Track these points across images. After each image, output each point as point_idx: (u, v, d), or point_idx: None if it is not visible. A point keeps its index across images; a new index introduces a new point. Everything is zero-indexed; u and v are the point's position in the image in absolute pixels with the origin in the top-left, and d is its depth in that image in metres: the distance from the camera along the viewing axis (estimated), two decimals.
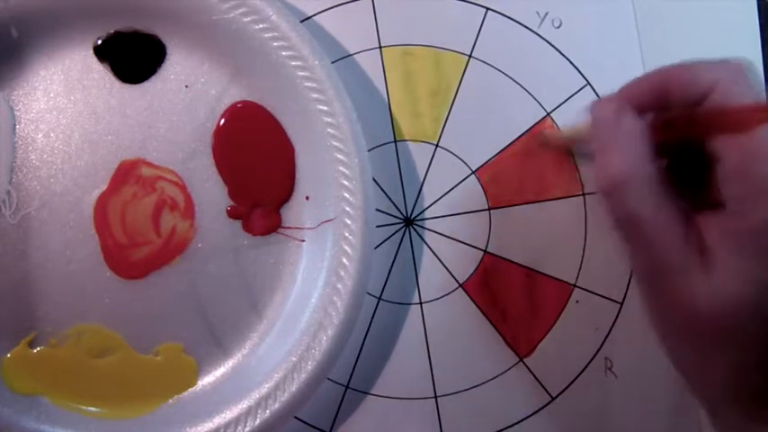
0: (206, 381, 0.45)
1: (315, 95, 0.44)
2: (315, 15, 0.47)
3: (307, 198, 0.45)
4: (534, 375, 0.46)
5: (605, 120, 0.34)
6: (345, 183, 0.43)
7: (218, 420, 0.43)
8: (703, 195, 0.34)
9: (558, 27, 0.48)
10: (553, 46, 0.47)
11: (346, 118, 0.43)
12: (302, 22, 0.46)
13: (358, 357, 0.46)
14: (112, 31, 0.45)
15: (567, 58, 0.47)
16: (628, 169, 0.32)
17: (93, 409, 0.44)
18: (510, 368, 0.46)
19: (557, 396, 0.46)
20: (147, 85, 0.45)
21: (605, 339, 0.46)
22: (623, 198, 0.33)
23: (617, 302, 0.47)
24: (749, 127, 0.31)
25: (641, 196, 0.32)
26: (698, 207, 0.34)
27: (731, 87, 0.33)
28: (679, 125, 0.34)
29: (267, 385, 0.43)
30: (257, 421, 0.42)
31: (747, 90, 0.33)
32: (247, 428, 0.42)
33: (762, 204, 0.31)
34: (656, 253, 0.33)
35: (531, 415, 0.46)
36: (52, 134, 0.45)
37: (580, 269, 0.47)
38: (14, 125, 0.45)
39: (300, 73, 0.44)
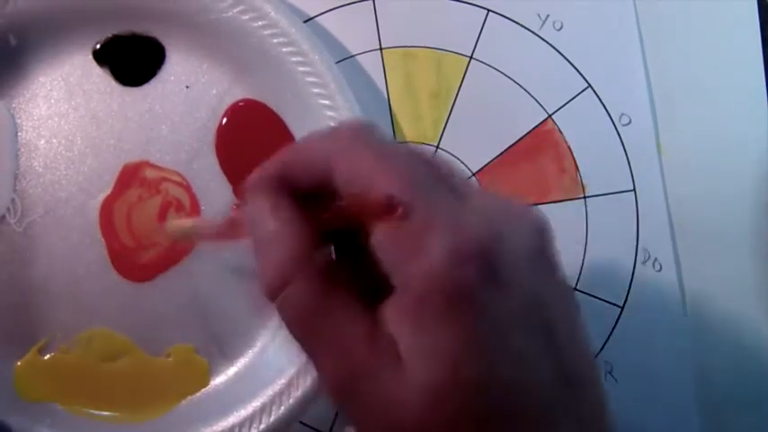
0: (218, 380, 0.45)
1: (316, 90, 0.43)
2: (316, 17, 0.47)
3: None
4: None
5: (257, 215, 0.30)
6: None
7: (233, 419, 0.43)
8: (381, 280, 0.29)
9: (560, 29, 0.48)
10: (554, 48, 0.48)
11: (349, 112, 0.43)
12: (304, 23, 0.46)
13: None
14: (111, 35, 0.45)
15: (569, 61, 0.48)
16: (289, 270, 0.28)
17: (105, 413, 0.44)
18: None
19: None
20: (147, 87, 0.45)
21: (605, 343, 0.47)
22: (290, 303, 0.29)
23: (618, 306, 0.47)
24: (374, 217, 0.28)
25: (309, 299, 0.28)
26: (381, 295, 0.29)
27: (345, 165, 0.29)
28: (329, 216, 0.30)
29: (280, 382, 0.43)
30: (272, 419, 0.43)
31: (364, 160, 0.28)
32: (262, 426, 0.43)
33: (420, 267, 0.26)
34: (341, 360, 0.28)
35: None
36: (54, 140, 0.44)
37: (581, 272, 0.47)
38: (16, 132, 0.44)
39: (301, 69, 0.43)
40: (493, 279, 0.26)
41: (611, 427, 0.29)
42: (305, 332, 0.29)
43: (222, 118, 0.45)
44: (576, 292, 0.47)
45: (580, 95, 0.48)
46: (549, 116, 0.48)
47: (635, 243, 0.47)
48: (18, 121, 0.44)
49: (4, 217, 0.44)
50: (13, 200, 0.44)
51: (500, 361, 0.26)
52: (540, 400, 0.27)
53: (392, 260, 0.27)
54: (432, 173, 0.29)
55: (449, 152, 0.47)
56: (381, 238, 0.28)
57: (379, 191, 0.27)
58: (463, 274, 0.26)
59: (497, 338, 0.26)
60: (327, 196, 0.30)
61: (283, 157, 0.31)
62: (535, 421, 0.27)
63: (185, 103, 0.45)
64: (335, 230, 0.30)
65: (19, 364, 0.44)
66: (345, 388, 0.28)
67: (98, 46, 0.45)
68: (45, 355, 0.44)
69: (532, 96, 0.47)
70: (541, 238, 0.29)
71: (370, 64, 0.47)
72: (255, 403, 0.43)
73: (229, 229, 0.35)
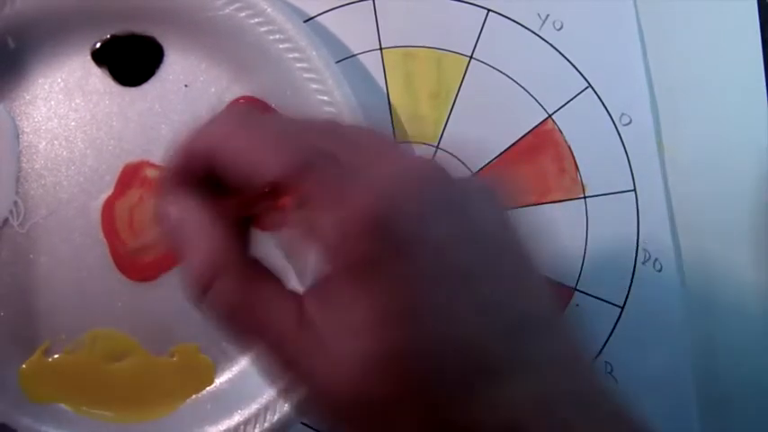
0: (223, 378, 0.45)
1: (315, 86, 0.43)
2: (316, 16, 0.46)
3: None
4: None
5: (170, 216, 0.29)
6: None
7: (238, 418, 0.44)
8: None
9: (560, 29, 0.47)
10: (554, 48, 0.47)
11: (347, 107, 0.43)
12: (304, 23, 0.45)
13: None
14: (109, 36, 0.44)
15: (569, 60, 0.47)
16: (215, 267, 0.27)
17: (111, 413, 0.45)
18: None
19: None
20: (146, 87, 0.45)
21: (605, 343, 0.47)
22: (218, 299, 0.27)
23: (617, 306, 0.47)
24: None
25: (236, 293, 0.27)
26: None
27: (226, 152, 0.27)
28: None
29: None
30: (276, 416, 0.43)
31: (245, 143, 0.27)
32: (266, 424, 0.43)
33: (314, 251, 0.26)
34: (275, 349, 0.27)
35: None
36: (55, 142, 0.44)
37: (581, 272, 0.47)
38: (18, 135, 0.44)
39: (299, 65, 0.43)
40: (392, 243, 0.25)
41: (586, 365, 0.29)
42: (236, 326, 0.28)
43: None
44: (576, 292, 0.47)
45: (580, 95, 0.48)
46: (550, 116, 0.47)
47: (635, 243, 0.47)
48: (18, 123, 0.44)
49: (6, 220, 0.44)
50: (15, 202, 0.44)
51: (419, 324, 0.25)
52: (477, 352, 0.26)
53: (284, 245, 0.27)
54: (324, 145, 0.27)
55: (449, 152, 0.47)
56: (272, 223, 0.28)
57: (261, 177, 0.26)
58: (356, 248, 0.25)
59: (413, 301, 0.25)
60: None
61: (177, 152, 0.29)
62: (478, 374, 0.25)
63: (185, 102, 0.45)
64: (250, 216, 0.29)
65: (24, 365, 0.44)
66: (287, 374, 0.27)
67: (97, 46, 0.44)
68: (50, 357, 0.45)
69: (532, 96, 0.47)
70: (443, 185, 0.27)
71: (371, 64, 0.47)
72: (260, 401, 0.44)
73: None
